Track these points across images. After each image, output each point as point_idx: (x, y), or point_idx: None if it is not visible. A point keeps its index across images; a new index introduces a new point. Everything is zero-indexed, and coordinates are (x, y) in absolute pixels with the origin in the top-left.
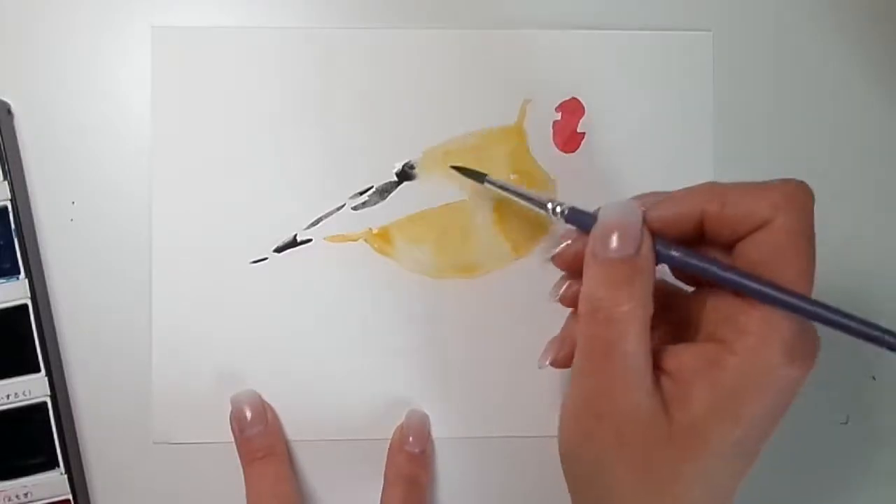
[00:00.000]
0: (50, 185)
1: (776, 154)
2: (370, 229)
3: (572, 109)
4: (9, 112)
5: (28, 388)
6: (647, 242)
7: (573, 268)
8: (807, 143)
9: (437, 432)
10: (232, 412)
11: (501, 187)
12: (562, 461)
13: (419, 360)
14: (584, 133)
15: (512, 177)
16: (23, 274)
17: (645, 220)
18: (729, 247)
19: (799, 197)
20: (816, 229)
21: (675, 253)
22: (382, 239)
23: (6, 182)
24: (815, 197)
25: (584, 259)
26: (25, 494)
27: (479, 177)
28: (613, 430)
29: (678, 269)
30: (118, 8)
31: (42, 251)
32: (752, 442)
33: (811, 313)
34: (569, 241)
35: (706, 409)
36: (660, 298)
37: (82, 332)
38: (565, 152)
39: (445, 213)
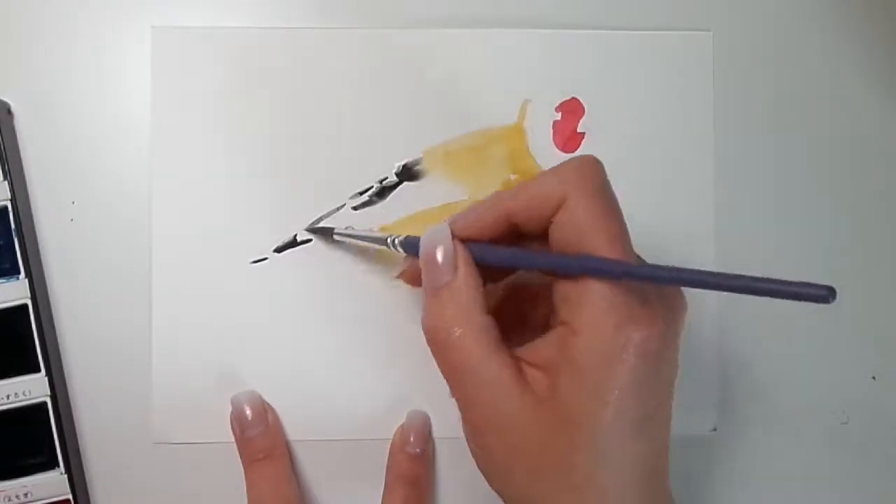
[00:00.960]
0: (50, 185)
1: (776, 154)
2: (370, 229)
3: (572, 109)
4: (9, 112)
5: (28, 388)
6: (464, 259)
7: (418, 284)
8: (806, 142)
9: (437, 432)
10: (232, 413)
11: (348, 236)
12: (489, 484)
13: (420, 360)
14: (584, 133)
15: (512, 177)
16: (23, 274)
17: (457, 238)
18: (544, 236)
19: (586, 169)
20: (817, 227)
21: (490, 251)
22: None
23: (6, 182)
24: (815, 196)
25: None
26: (25, 494)
27: (326, 232)
28: (499, 441)
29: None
30: (118, 8)
31: (42, 251)
32: (635, 415)
33: (615, 272)
34: (413, 261)
35: (571, 393)
36: (527, 295)
37: (82, 332)
38: (565, 152)
39: (445, 213)
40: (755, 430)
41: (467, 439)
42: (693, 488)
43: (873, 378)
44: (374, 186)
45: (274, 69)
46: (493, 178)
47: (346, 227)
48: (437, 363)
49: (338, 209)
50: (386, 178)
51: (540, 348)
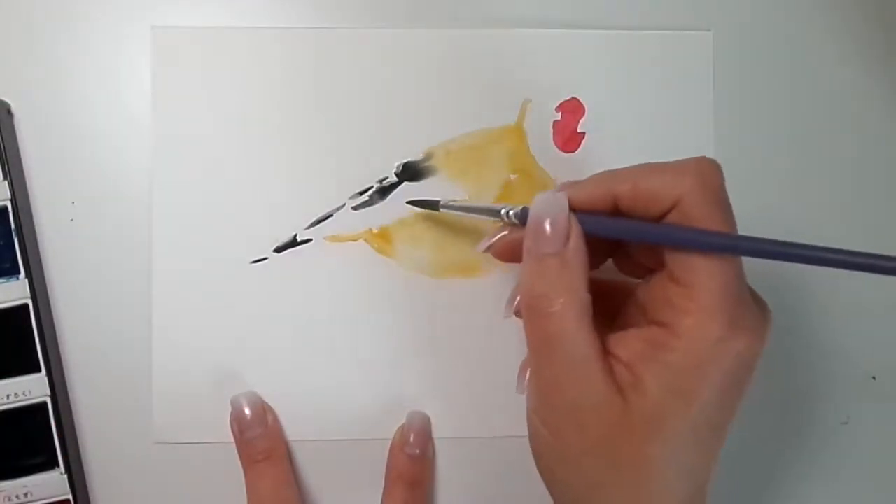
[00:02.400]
0: (50, 185)
1: (776, 154)
2: (370, 229)
3: (572, 109)
4: (9, 112)
5: (28, 388)
6: (576, 231)
7: (507, 257)
8: (807, 142)
9: (437, 432)
10: (232, 414)
11: (457, 208)
12: (535, 462)
13: (419, 361)
14: (584, 133)
15: (512, 177)
16: (23, 274)
17: (572, 209)
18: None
19: (704, 172)
20: (818, 227)
21: (602, 223)
22: (382, 239)
23: (6, 182)
24: (815, 198)
25: (523, 255)
26: (25, 494)
27: (433, 205)
28: (573, 421)
29: (621, 259)
30: (118, 8)
31: (42, 251)
32: (714, 420)
33: (733, 248)
34: (504, 233)
35: (659, 391)
36: (611, 290)
37: (82, 332)
38: (565, 152)
39: (445, 213)
40: (755, 430)
41: (534, 419)
42: None
43: (873, 378)
44: (374, 186)
45: (274, 69)
46: (493, 178)
47: (451, 200)
48: (527, 331)
49: (338, 209)
50: (386, 177)
51: (626, 341)
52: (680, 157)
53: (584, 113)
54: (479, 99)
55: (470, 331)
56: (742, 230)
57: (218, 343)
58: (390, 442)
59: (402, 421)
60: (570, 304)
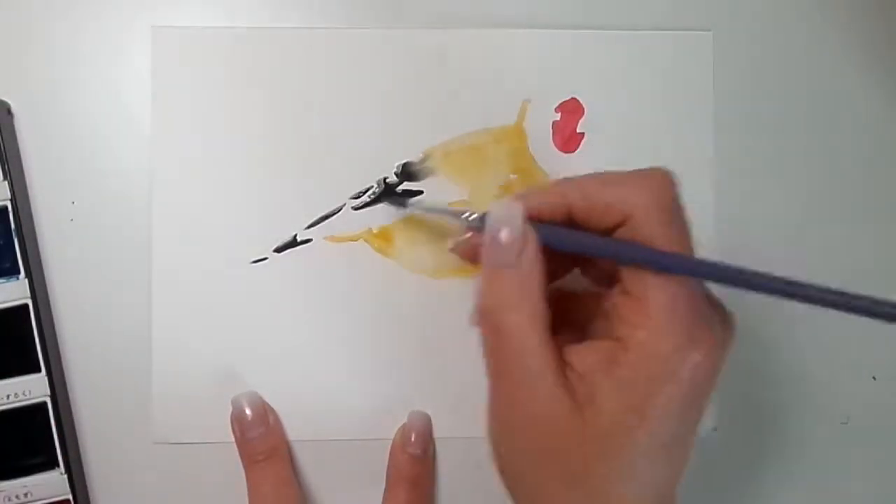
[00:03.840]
0: (50, 185)
1: (776, 154)
2: (370, 229)
3: (572, 109)
4: (9, 112)
5: (28, 388)
6: (532, 242)
7: (474, 259)
8: (806, 142)
9: (438, 432)
10: (233, 414)
11: (425, 209)
12: (499, 477)
13: (419, 361)
14: (584, 133)
15: (512, 177)
16: (23, 274)
17: (525, 220)
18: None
19: (657, 187)
20: (818, 227)
21: (558, 234)
22: (382, 239)
23: (6, 182)
24: (816, 196)
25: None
26: (25, 494)
27: (401, 202)
28: (528, 436)
29: (586, 266)
30: (118, 8)
31: (42, 251)
32: (676, 433)
33: (682, 268)
34: (468, 235)
35: (612, 405)
36: (569, 299)
37: (82, 332)
38: (565, 152)
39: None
40: (755, 430)
41: (491, 435)
42: (693, 488)
43: (873, 378)
44: (374, 186)
45: (274, 69)
46: (492, 178)
47: (419, 201)
48: (484, 346)
49: (338, 209)
50: (386, 178)
51: (582, 354)
52: (679, 157)
53: (583, 113)
54: (479, 99)
55: (470, 331)
56: (740, 230)
57: (218, 343)
58: (391, 442)
59: (403, 421)
60: (524, 319)
